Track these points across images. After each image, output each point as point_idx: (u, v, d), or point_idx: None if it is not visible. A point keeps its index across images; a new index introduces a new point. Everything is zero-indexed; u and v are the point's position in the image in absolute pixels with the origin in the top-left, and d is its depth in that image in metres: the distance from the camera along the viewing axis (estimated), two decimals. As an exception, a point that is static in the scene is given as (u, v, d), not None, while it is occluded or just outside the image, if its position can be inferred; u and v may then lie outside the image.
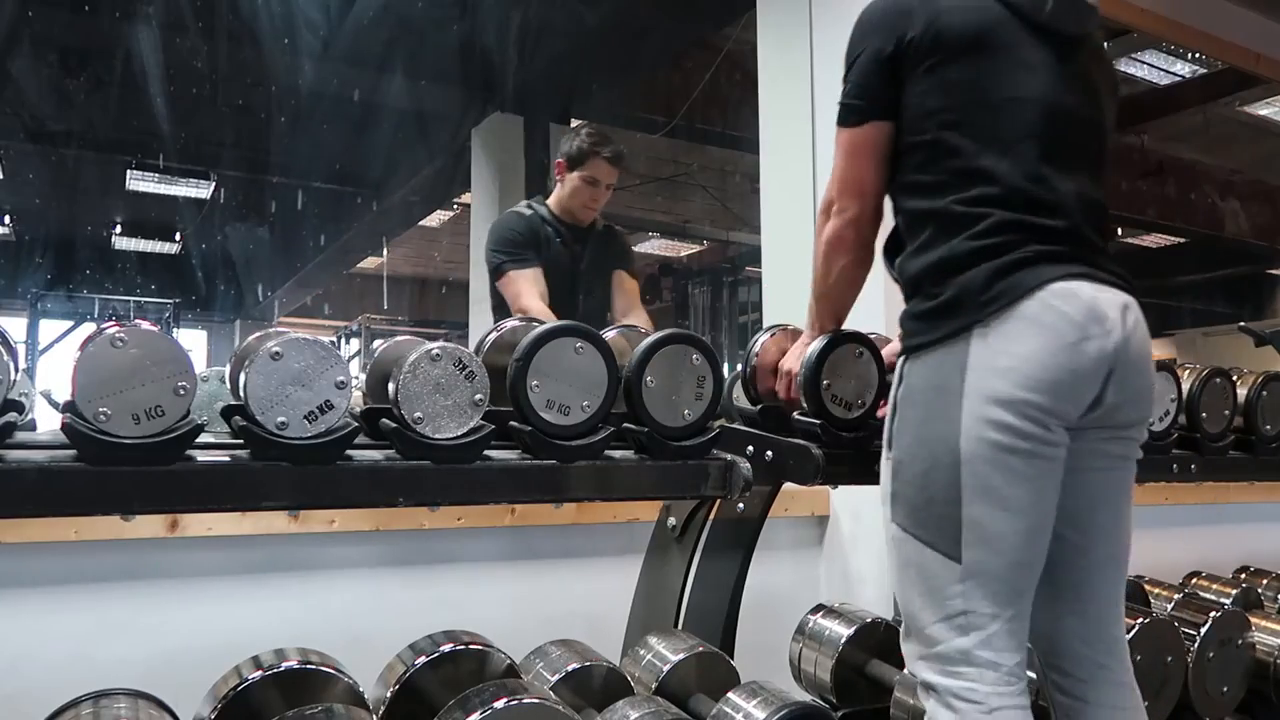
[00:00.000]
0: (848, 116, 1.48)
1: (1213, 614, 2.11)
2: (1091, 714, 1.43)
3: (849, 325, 1.63)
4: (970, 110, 1.40)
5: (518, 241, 2.85)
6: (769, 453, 1.59)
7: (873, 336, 1.69)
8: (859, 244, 1.50)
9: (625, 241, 3.22)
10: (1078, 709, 1.43)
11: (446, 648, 1.60)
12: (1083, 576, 1.44)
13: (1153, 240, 10.72)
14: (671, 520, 1.92)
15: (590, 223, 2.98)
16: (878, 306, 2.33)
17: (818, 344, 1.58)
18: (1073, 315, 1.30)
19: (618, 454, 1.44)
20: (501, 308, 2.89)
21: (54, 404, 1.39)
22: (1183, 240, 10.35)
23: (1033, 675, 1.52)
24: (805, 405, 1.59)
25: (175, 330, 11.09)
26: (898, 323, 1.46)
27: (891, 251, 1.53)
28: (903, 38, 1.41)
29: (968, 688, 1.30)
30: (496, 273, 2.86)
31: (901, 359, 1.43)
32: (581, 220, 2.93)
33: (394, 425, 1.26)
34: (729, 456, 1.52)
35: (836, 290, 1.56)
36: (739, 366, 1.79)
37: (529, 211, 2.93)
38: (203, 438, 1.17)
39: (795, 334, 1.71)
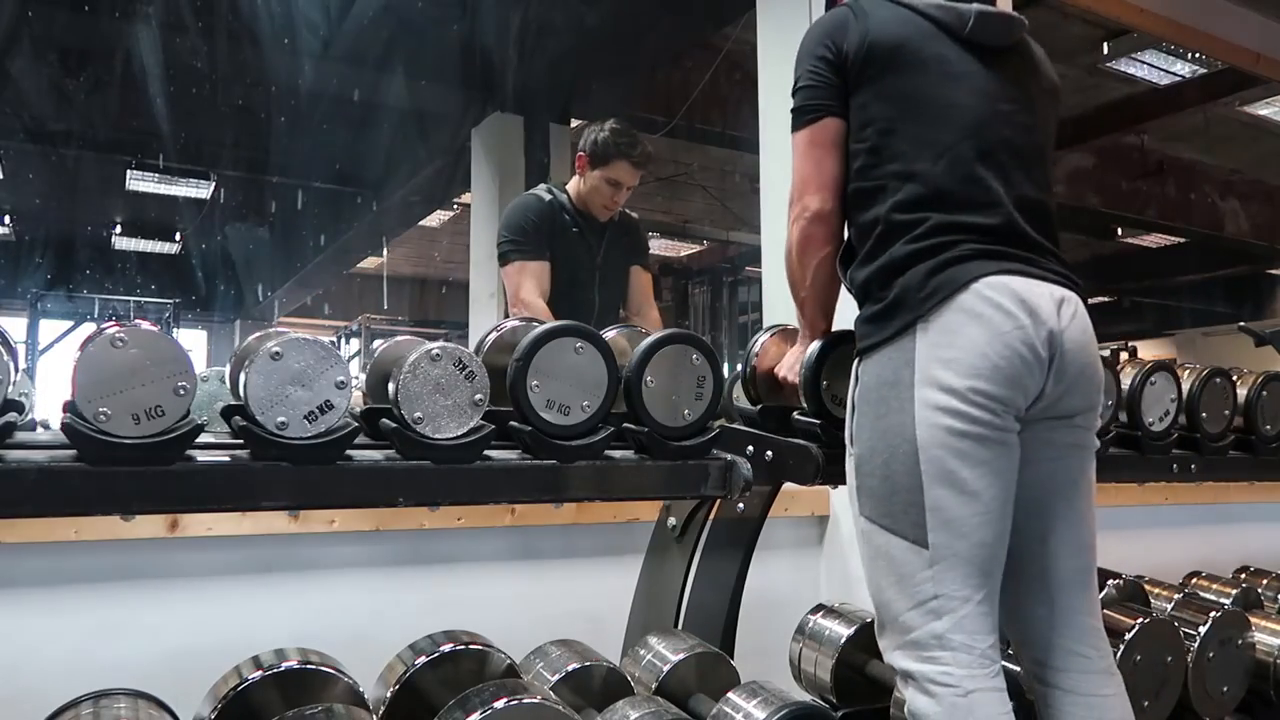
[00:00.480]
0: (802, 117, 1.55)
1: (1213, 614, 2.11)
2: (1071, 701, 1.46)
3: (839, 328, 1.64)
4: (905, 118, 1.48)
5: (528, 230, 2.76)
6: (769, 453, 1.59)
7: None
8: (829, 237, 1.56)
9: (643, 234, 3.12)
10: (1057, 696, 1.47)
11: (446, 648, 1.59)
12: (1045, 564, 1.48)
13: (1153, 240, 10.73)
14: (671, 520, 1.92)
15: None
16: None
17: (814, 348, 1.61)
18: (1005, 306, 1.37)
19: (618, 454, 1.44)
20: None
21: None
22: (1183, 240, 10.35)
23: (1016, 668, 1.58)
24: (805, 407, 1.61)
25: (175, 330, 11.09)
26: (854, 326, 1.53)
27: (845, 263, 1.58)
28: (840, 48, 1.51)
29: (943, 671, 1.33)
30: (503, 259, 2.79)
31: (856, 361, 1.49)
32: (599, 217, 2.84)
33: (394, 425, 1.26)
34: (729, 456, 1.52)
35: (816, 289, 1.60)
36: (739, 366, 1.79)
37: (548, 197, 2.83)
38: (203, 438, 1.17)
39: (794, 334, 1.72)
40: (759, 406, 1.71)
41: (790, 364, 1.68)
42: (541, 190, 2.88)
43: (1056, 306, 1.41)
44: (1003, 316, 1.36)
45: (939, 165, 1.45)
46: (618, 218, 2.92)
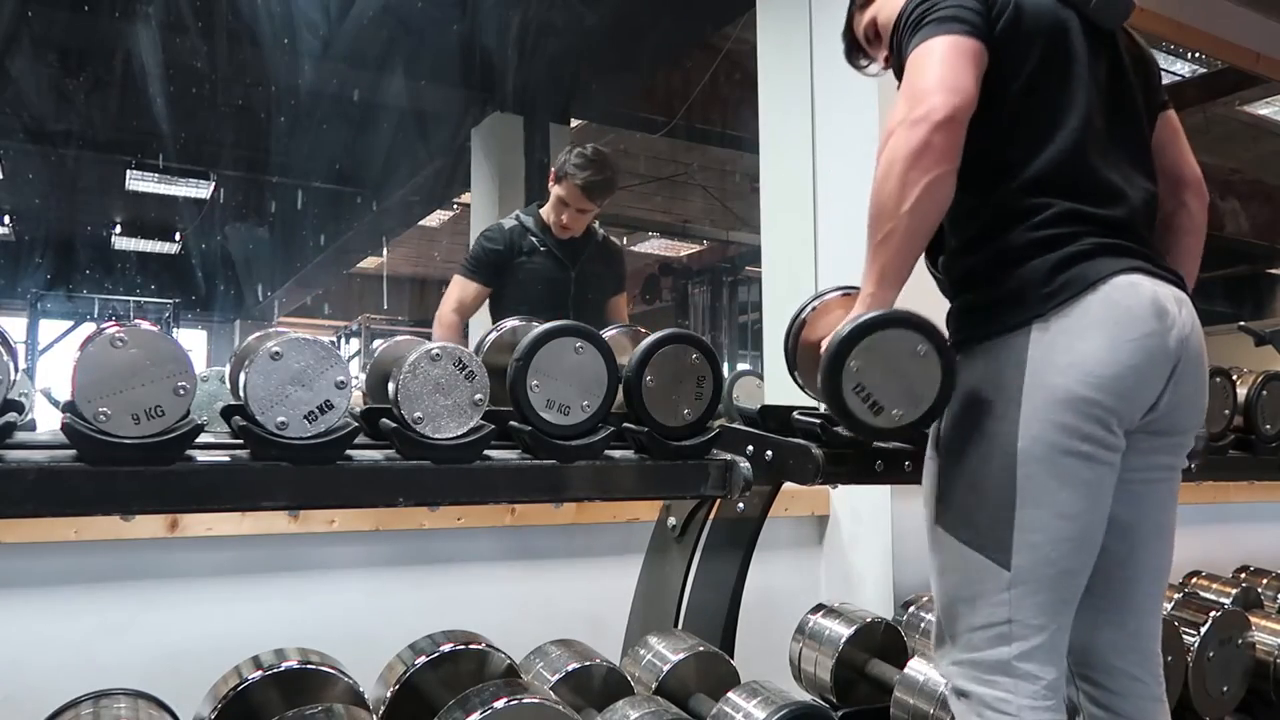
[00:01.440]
0: (947, 25, 1.28)
1: (1213, 614, 2.11)
2: None
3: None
4: (1031, 96, 1.33)
5: (480, 257, 2.95)
6: (769, 453, 1.59)
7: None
8: (953, 153, 1.24)
9: (621, 258, 3.25)
10: None
11: (446, 648, 1.59)
12: (1124, 589, 1.39)
13: (1153, 240, 10.71)
14: (671, 520, 1.92)
15: (585, 235, 2.99)
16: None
17: (856, 321, 1.27)
18: (1136, 310, 1.24)
19: (618, 454, 1.44)
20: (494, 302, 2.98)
21: (54, 402, 1.39)
22: (1182, 240, 10.33)
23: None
24: (822, 387, 1.29)
25: (175, 330, 11.10)
26: (945, 324, 1.37)
27: (934, 249, 1.42)
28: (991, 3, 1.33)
29: (1001, 698, 1.25)
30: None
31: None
32: (558, 235, 2.95)
33: (394, 425, 1.26)
34: (729, 456, 1.52)
35: (916, 220, 1.24)
36: (739, 366, 1.78)
37: (512, 223, 2.99)
38: (203, 438, 1.17)
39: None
40: (760, 406, 1.70)
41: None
42: (509, 217, 3.04)
43: (1179, 308, 1.29)
44: (1133, 320, 1.24)
45: (1061, 150, 1.31)
46: (598, 239, 3.06)
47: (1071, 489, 1.24)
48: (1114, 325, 1.24)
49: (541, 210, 2.97)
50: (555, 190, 2.90)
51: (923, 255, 1.36)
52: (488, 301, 2.97)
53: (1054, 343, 1.24)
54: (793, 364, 1.52)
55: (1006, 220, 1.31)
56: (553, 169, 2.93)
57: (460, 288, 2.93)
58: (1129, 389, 1.24)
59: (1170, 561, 1.43)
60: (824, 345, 1.31)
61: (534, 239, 2.94)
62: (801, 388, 1.52)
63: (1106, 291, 1.25)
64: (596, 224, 3.09)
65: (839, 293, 1.48)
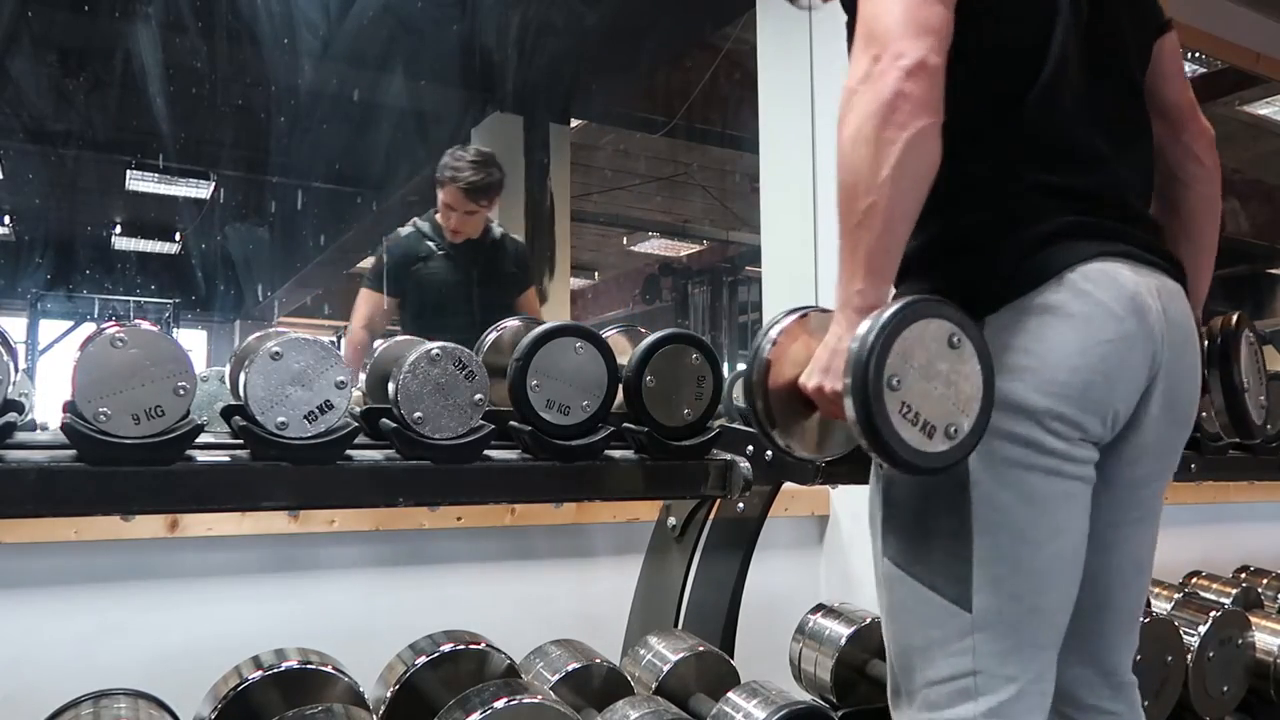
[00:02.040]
0: None
1: (1213, 614, 2.11)
2: None
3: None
4: (1004, 50, 1.10)
5: (377, 269, 3.07)
6: (769, 452, 1.59)
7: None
8: (933, 103, 0.99)
9: (524, 255, 3.32)
10: None
11: (446, 648, 1.59)
12: (1099, 628, 1.22)
13: (1153, 240, 10.71)
14: (671, 520, 1.92)
15: (481, 235, 3.07)
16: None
17: (874, 325, 0.96)
18: (1111, 304, 1.05)
19: (618, 454, 1.44)
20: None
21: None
22: (1182, 240, 10.33)
23: None
24: (862, 427, 0.97)
25: (175, 330, 11.10)
26: None
27: None
28: None
29: None
30: None
31: None
32: (454, 239, 3.03)
33: (394, 425, 1.26)
34: (729, 456, 1.52)
35: (901, 188, 0.98)
36: (739, 366, 1.78)
37: (409, 230, 3.10)
38: (203, 438, 1.17)
39: (827, 322, 1.07)
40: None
41: (826, 363, 1.03)
42: (407, 226, 3.14)
43: (1164, 304, 1.09)
44: (1105, 317, 1.04)
45: (1029, 107, 1.08)
46: (493, 238, 3.12)
47: (1035, 510, 1.05)
48: (1083, 323, 1.04)
49: (436, 215, 3.06)
50: (440, 195, 2.97)
51: None
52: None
53: (1007, 343, 1.05)
54: (768, 422, 1.13)
55: (958, 194, 1.08)
56: (436, 176, 3.02)
57: (366, 302, 3.02)
58: (1095, 400, 1.05)
59: (1147, 586, 1.29)
60: (814, 379, 1.05)
61: (431, 244, 3.03)
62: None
63: (1074, 281, 1.05)
64: (495, 223, 3.16)
65: (793, 317, 1.14)
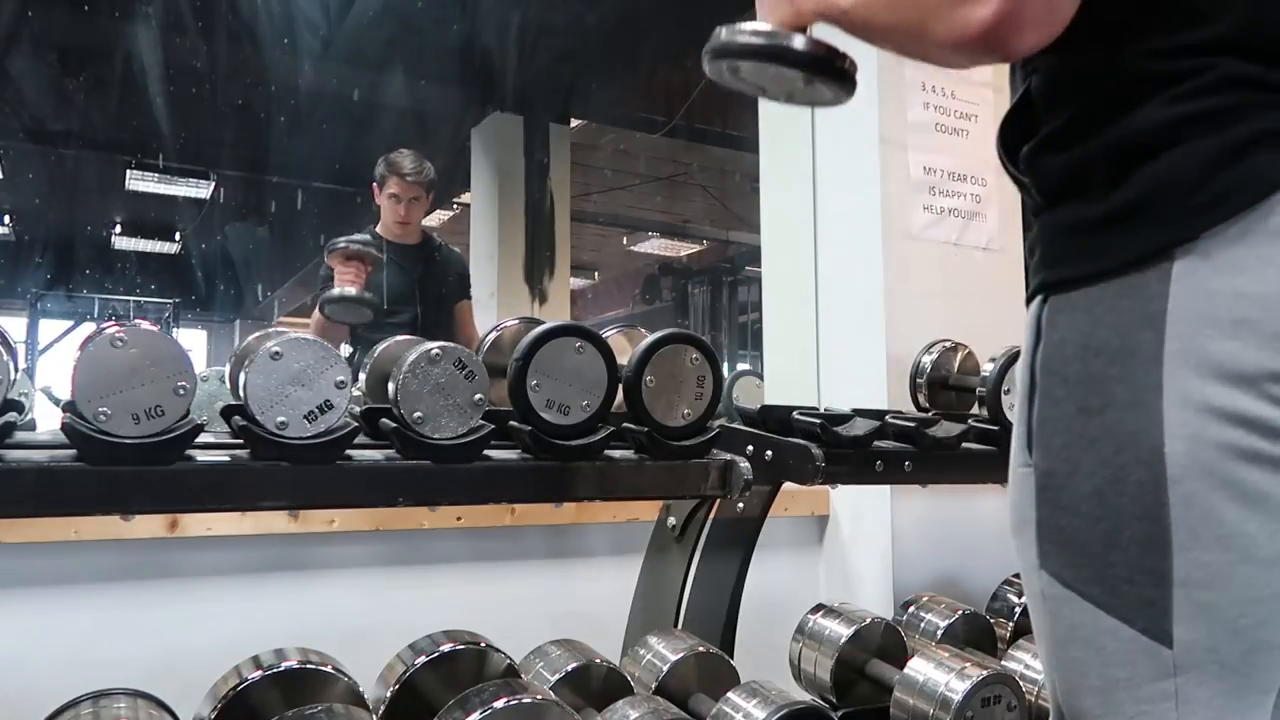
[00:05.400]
0: None
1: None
2: None
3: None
4: None
5: (325, 277, 3.20)
6: (769, 453, 1.59)
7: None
8: None
9: (463, 264, 3.59)
10: None
11: (446, 648, 1.59)
12: None
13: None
14: (671, 520, 1.92)
15: (422, 242, 3.35)
16: (879, 362, 2.33)
17: None
18: None
19: (618, 454, 1.44)
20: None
21: (54, 400, 1.39)
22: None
23: None
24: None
25: (175, 330, 11.11)
26: (1027, 251, 0.93)
27: (1016, 136, 0.93)
28: None
29: None
30: None
31: (1039, 302, 0.88)
32: (402, 239, 3.28)
33: (394, 425, 1.26)
34: (729, 456, 1.52)
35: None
36: (740, 366, 1.79)
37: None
38: (203, 438, 1.17)
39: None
40: (760, 406, 1.70)
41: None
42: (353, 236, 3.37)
43: None
44: None
45: None
46: (435, 247, 3.42)
47: (1262, 517, 0.78)
48: None
49: (377, 227, 3.31)
50: (385, 192, 3.22)
51: (997, 149, 0.96)
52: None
53: (1213, 283, 0.78)
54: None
55: (1137, 88, 0.82)
56: (374, 184, 3.29)
57: (317, 319, 3.16)
58: None
59: None
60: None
61: (373, 252, 3.22)
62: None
63: None
64: (434, 234, 3.48)
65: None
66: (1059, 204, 0.88)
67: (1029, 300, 0.91)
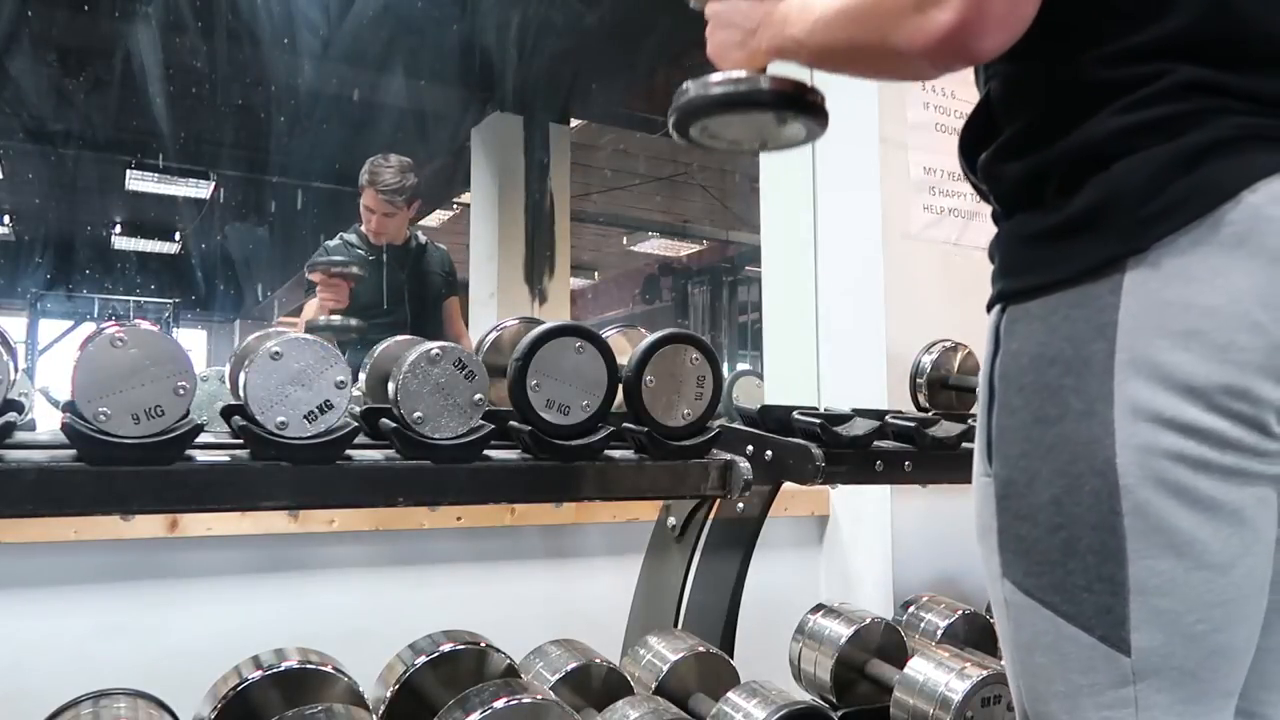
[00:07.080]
0: None
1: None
2: None
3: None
4: None
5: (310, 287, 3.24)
6: (769, 452, 1.59)
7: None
8: None
9: (449, 263, 3.57)
10: None
11: (446, 648, 1.59)
12: (1265, 669, 0.90)
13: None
14: (671, 520, 1.92)
15: (408, 241, 3.35)
16: (878, 363, 2.33)
17: None
18: None
19: (617, 454, 1.44)
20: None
21: (53, 401, 1.39)
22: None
23: None
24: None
25: (175, 330, 11.11)
26: (989, 258, 0.94)
27: (975, 143, 0.94)
28: None
29: None
30: None
31: (998, 311, 0.89)
32: (377, 241, 3.29)
33: (394, 425, 1.26)
34: (729, 456, 1.52)
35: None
36: (740, 366, 1.79)
37: (336, 243, 3.35)
38: (203, 437, 1.17)
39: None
40: (760, 406, 1.70)
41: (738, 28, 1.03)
42: (335, 239, 3.41)
43: None
44: None
45: None
46: (417, 245, 3.40)
47: (1212, 523, 0.78)
48: (1270, 262, 0.76)
49: (363, 226, 3.32)
50: (361, 199, 3.24)
51: (959, 156, 0.96)
52: None
53: (1163, 294, 0.77)
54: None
55: (1090, 95, 0.82)
56: (358, 181, 3.29)
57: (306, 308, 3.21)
58: None
59: None
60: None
61: (360, 252, 3.29)
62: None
63: (1255, 204, 0.76)
64: (420, 233, 3.45)
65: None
66: (1016, 212, 0.90)
67: (989, 308, 0.92)
